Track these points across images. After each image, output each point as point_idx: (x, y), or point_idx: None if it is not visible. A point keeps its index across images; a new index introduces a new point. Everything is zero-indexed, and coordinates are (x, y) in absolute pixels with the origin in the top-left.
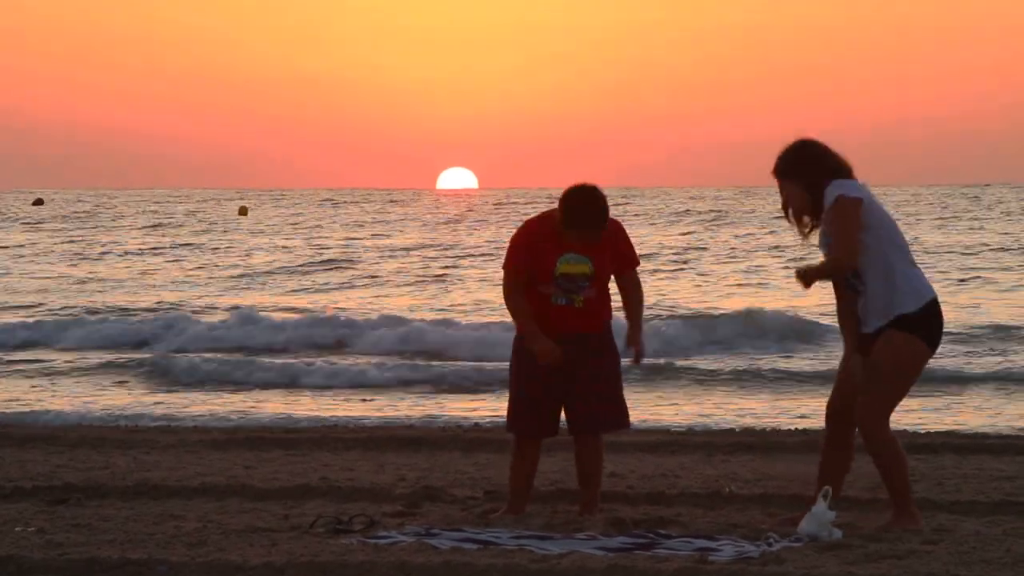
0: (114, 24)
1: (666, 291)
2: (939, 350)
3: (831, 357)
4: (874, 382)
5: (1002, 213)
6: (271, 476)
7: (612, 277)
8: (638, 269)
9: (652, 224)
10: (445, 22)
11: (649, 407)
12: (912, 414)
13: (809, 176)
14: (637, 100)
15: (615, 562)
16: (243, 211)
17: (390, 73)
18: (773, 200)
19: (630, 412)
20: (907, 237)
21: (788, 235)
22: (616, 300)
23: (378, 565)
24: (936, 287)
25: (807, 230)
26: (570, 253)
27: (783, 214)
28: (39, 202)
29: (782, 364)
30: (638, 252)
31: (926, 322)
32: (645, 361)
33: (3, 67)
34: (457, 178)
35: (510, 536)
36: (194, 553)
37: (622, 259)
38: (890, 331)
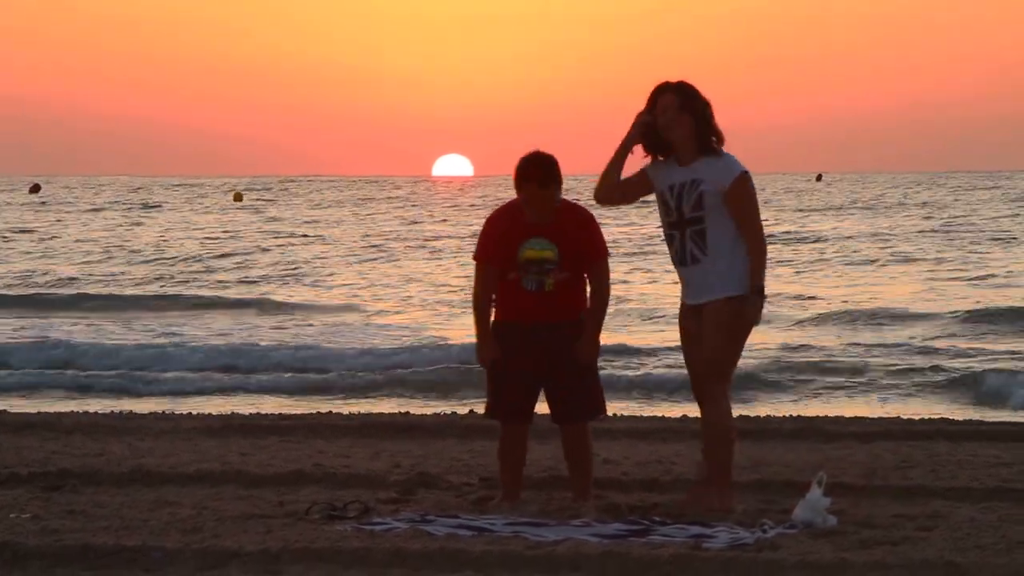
0: (113, 12)
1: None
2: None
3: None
4: (712, 349)
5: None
6: (266, 463)
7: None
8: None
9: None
10: (442, 10)
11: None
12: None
13: (703, 108)
14: (634, 88)
15: (610, 549)
16: (238, 197)
17: (386, 60)
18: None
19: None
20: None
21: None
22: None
23: (373, 551)
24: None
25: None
26: (534, 238)
27: (642, 123)
28: (36, 188)
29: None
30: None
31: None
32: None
33: (5, 55)
34: (453, 165)
35: (505, 523)
36: (189, 539)
37: (589, 247)
38: (720, 302)
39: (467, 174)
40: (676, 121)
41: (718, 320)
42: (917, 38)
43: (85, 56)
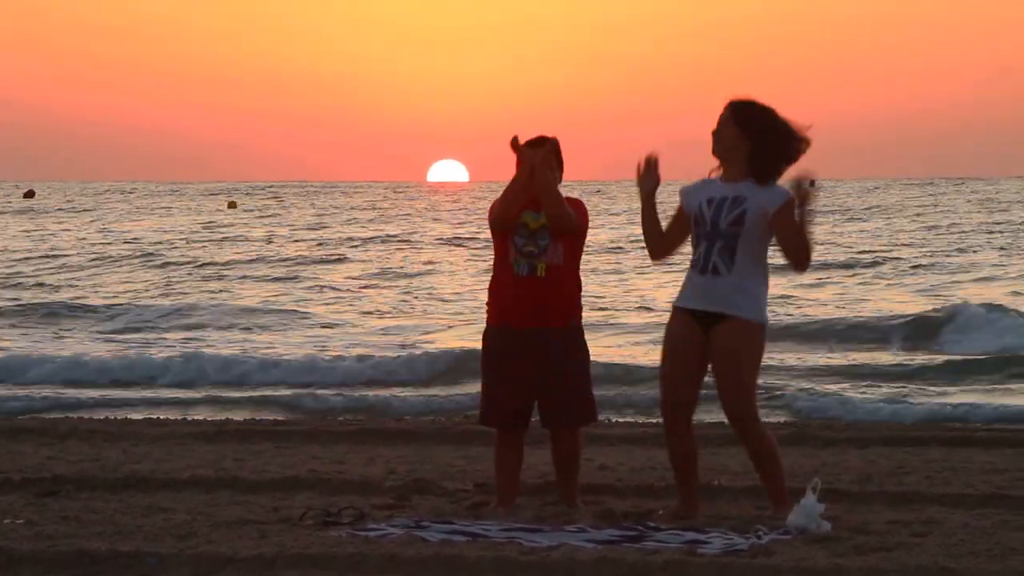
0: (105, 18)
1: None
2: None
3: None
4: (741, 374)
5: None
6: (261, 469)
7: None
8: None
9: None
10: (435, 16)
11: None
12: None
13: (762, 139)
14: (626, 95)
15: (604, 554)
16: (232, 205)
17: (381, 67)
18: None
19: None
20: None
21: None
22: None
23: (368, 557)
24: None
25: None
26: (533, 211)
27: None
28: (30, 194)
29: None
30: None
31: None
32: None
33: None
34: (448, 171)
35: (499, 529)
36: (183, 545)
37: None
38: (739, 322)
39: (462, 180)
40: (720, 134)
41: (739, 344)
42: (908, 44)
43: (78, 62)
